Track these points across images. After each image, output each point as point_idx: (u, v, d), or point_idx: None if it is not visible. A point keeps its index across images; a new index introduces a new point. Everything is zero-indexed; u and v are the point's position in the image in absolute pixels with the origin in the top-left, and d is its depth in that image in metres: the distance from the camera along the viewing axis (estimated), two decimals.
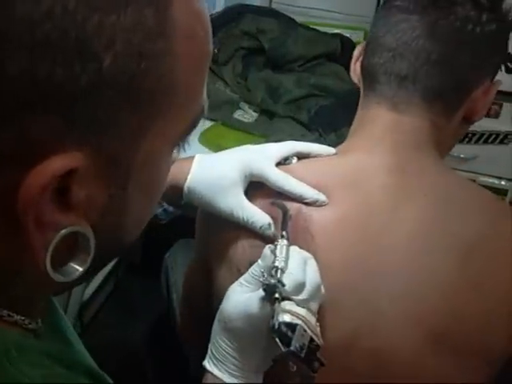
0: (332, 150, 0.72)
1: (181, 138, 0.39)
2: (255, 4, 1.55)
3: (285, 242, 0.61)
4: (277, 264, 0.58)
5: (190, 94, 0.37)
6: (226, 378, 0.61)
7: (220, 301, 0.62)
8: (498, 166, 1.32)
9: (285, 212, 0.64)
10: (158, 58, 0.33)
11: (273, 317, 0.56)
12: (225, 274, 0.69)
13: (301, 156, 0.72)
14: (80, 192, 0.33)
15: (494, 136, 1.31)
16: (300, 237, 0.64)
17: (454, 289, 0.63)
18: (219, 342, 0.61)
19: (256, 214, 0.65)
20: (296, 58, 1.44)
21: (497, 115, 1.29)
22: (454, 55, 0.66)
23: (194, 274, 0.83)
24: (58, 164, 0.31)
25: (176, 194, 0.68)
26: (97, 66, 0.30)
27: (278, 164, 0.69)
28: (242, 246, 0.67)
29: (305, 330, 0.57)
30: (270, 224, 0.64)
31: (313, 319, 0.58)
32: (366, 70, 0.72)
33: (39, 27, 0.29)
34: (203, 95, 0.39)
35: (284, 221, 0.64)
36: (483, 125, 1.31)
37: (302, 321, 0.57)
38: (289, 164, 0.70)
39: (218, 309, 0.62)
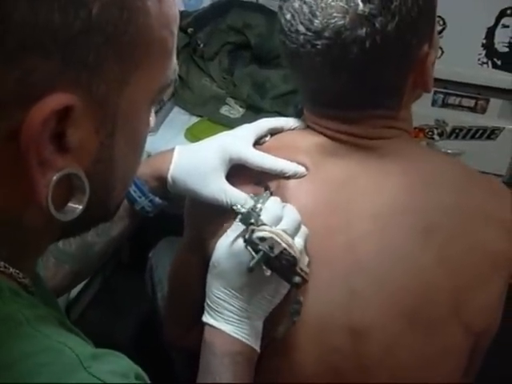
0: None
1: (157, 95, 0.45)
2: None
3: (268, 193, 0.65)
4: (256, 205, 0.62)
5: (163, 52, 0.43)
6: (221, 325, 0.62)
7: None
8: (485, 161, 1.32)
9: (267, 189, 0.68)
10: (136, 12, 0.38)
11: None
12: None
13: (275, 132, 0.74)
14: (74, 136, 0.38)
15: (481, 131, 1.30)
16: None
17: (419, 263, 0.64)
18: (213, 291, 0.63)
19: (239, 197, 0.67)
20: None
21: (483, 111, 1.29)
22: (369, 79, 0.65)
23: (185, 262, 0.82)
24: (56, 101, 0.36)
25: (161, 185, 0.71)
26: (87, 12, 0.35)
27: (256, 144, 0.71)
28: (229, 226, 0.68)
29: (278, 243, 0.58)
30: None
31: (289, 239, 0.59)
32: None
33: None
34: (174, 59, 0.45)
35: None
36: (470, 120, 1.31)
37: (277, 236, 0.58)
38: (263, 143, 0.72)
39: None
